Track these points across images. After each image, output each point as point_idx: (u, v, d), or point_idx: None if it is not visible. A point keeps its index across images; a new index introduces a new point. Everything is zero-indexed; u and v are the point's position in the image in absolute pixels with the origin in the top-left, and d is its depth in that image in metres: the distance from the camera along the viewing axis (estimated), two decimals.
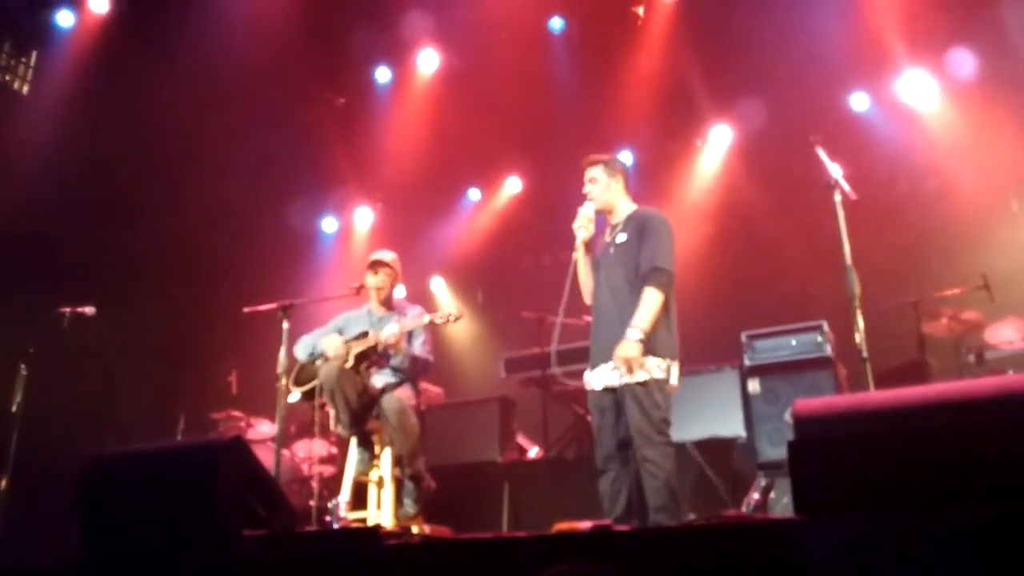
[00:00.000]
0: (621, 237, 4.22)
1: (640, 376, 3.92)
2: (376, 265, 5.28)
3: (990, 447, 2.17)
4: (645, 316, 3.93)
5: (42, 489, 5.19)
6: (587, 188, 4.34)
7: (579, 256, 4.29)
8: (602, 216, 4.38)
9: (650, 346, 3.94)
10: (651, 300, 3.96)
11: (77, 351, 6.18)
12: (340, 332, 5.22)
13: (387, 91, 9.28)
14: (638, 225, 4.19)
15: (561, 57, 8.59)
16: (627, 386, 3.95)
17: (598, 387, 4.12)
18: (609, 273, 4.21)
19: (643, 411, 3.90)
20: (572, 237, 4.35)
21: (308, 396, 5.08)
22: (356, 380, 4.91)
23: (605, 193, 4.31)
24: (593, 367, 4.17)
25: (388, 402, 4.87)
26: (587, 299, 4.36)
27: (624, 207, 4.34)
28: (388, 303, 5.34)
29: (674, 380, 4.03)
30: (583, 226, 4.25)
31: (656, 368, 3.94)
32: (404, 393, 5.01)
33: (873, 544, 2.16)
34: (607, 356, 4.03)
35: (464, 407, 6.51)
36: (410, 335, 5.12)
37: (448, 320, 4.93)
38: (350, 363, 4.94)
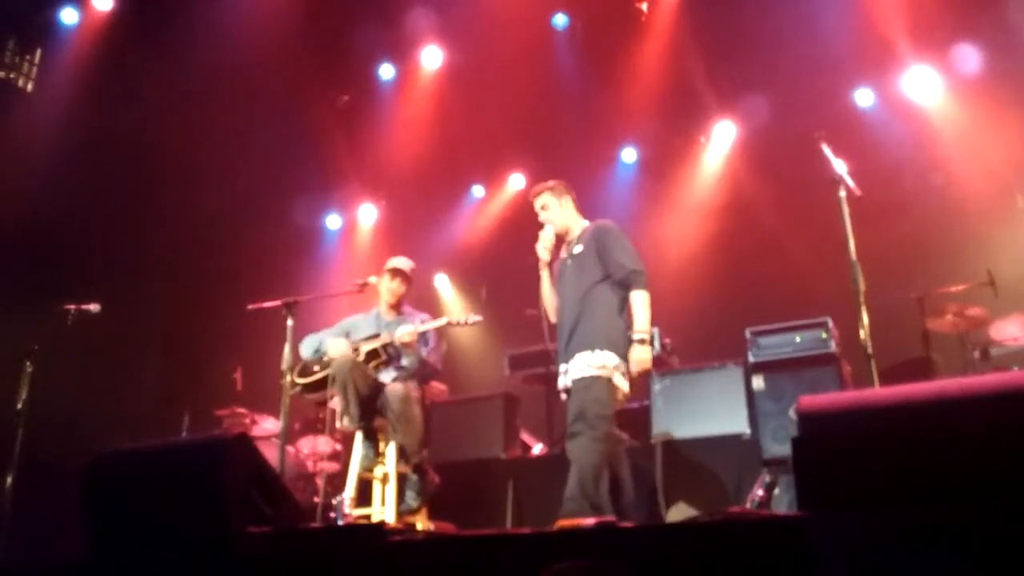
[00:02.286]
0: (577, 248, 4.48)
1: (588, 372, 4.10)
2: (395, 273, 5.36)
3: (995, 444, 2.16)
4: (642, 320, 4.15)
5: (47, 487, 5.20)
6: (542, 216, 4.61)
7: (543, 272, 4.54)
8: (559, 242, 4.63)
9: (606, 342, 4.13)
10: (641, 302, 4.21)
11: (82, 348, 6.19)
12: (347, 335, 5.29)
13: (391, 88, 9.29)
14: (592, 235, 4.45)
15: (565, 54, 8.58)
16: (576, 380, 4.14)
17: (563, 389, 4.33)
18: (567, 283, 4.44)
19: (584, 400, 4.07)
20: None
21: (309, 389, 5.11)
22: (367, 373, 4.96)
23: (558, 214, 4.58)
24: (559, 372, 4.39)
25: (392, 391, 4.92)
26: (552, 318, 4.58)
27: (577, 224, 4.61)
28: (398, 308, 5.42)
29: (625, 388, 4.19)
30: (546, 247, 4.51)
31: (608, 363, 4.10)
32: (409, 385, 5.06)
33: (877, 540, 2.15)
34: (565, 357, 4.28)
35: (468, 404, 6.50)
36: (422, 337, 5.16)
37: (465, 323, 5.05)
38: (361, 358, 5.00)
